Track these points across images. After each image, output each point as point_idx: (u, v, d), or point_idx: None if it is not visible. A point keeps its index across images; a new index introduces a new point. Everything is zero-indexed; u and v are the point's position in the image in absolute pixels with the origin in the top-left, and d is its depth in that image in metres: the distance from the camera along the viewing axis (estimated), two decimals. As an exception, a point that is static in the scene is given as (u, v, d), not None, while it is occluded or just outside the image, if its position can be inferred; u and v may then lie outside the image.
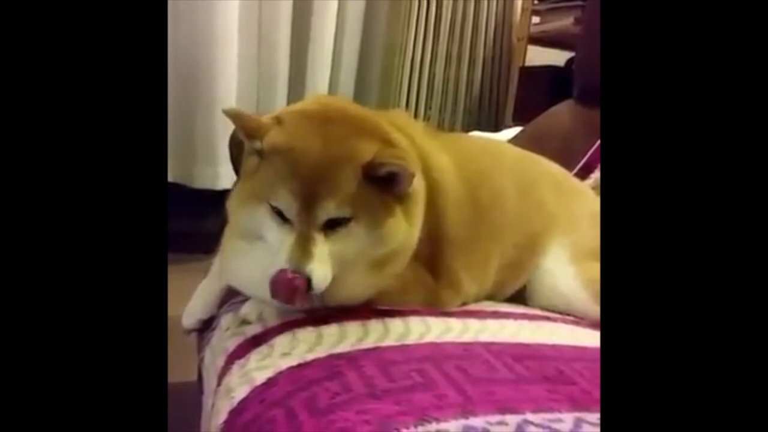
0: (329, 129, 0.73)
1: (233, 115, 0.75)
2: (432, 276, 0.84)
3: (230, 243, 0.83)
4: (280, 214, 0.71)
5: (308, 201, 0.70)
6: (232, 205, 0.78)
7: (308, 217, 0.70)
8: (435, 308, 0.82)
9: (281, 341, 0.71)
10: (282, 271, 0.69)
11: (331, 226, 0.71)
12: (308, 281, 0.68)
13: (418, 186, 0.78)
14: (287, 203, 0.70)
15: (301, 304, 0.72)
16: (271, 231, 0.73)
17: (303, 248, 0.69)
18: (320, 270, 0.69)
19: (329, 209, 0.70)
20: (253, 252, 0.77)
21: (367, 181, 0.71)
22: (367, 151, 0.71)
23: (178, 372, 1.03)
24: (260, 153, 0.74)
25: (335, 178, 0.70)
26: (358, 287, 0.77)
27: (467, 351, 0.69)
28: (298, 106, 0.83)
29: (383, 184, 0.72)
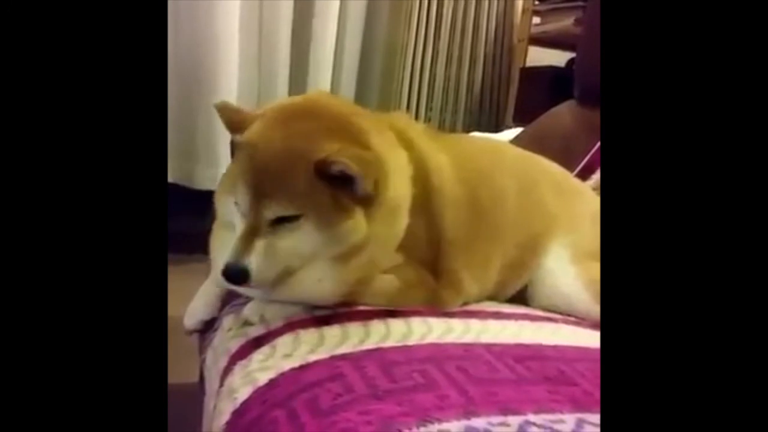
0: (298, 125, 0.75)
1: (220, 108, 0.78)
2: (433, 276, 0.84)
3: (215, 234, 0.85)
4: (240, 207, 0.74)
5: (258, 195, 0.71)
6: (215, 196, 0.82)
7: (257, 211, 0.72)
8: (436, 308, 0.82)
9: (283, 342, 0.72)
10: None
11: (281, 221, 0.72)
12: (248, 274, 0.71)
13: (395, 190, 0.78)
14: (241, 197, 0.73)
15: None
16: (237, 222, 0.75)
17: (247, 241, 0.71)
18: (258, 263, 0.71)
19: (276, 205, 0.71)
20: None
21: (321, 180, 0.71)
22: (326, 149, 0.71)
23: (179, 373, 1.03)
24: (238, 146, 0.76)
25: (286, 174, 0.71)
26: (322, 282, 0.76)
27: (468, 352, 0.69)
28: (287, 100, 0.84)
29: (339, 184, 0.72)
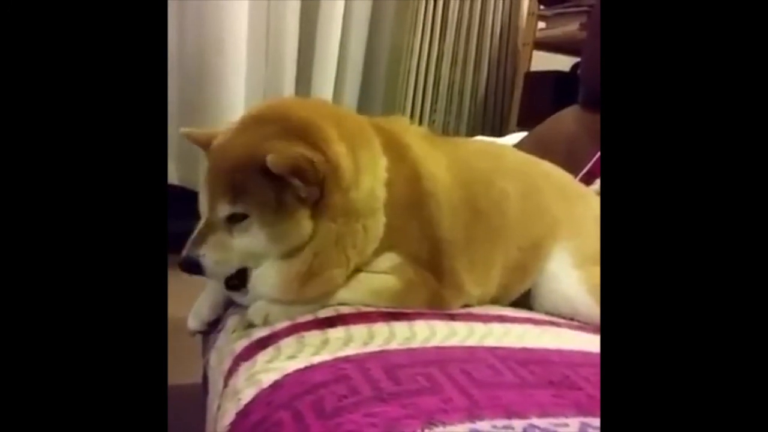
0: (256, 130, 0.78)
1: (187, 135, 0.85)
2: (435, 277, 0.85)
3: None
4: None
5: (213, 195, 0.77)
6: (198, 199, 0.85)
7: (212, 208, 0.77)
8: (438, 309, 0.83)
9: (287, 344, 0.72)
10: None
11: (234, 220, 0.76)
12: (200, 266, 0.77)
13: (357, 192, 0.79)
14: (201, 196, 0.79)
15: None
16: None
17: (201, 236, 0.78)
18: (211, 256, 0.77)
19: (223, 203, 0.76)
20: None
21: (268, 181, 0.74)
22: (276, 151, 0.73)
23: (182, 374, 1.04)
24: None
25: (232, 174, 0.76)
26: (271, 277, 0.79)
27: (472, 355, 0.69)
28: (254, 107, 0.87)
29: (284, 184, 0.74)
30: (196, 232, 0.78)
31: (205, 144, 0.82)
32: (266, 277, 0.79)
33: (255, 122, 0.80)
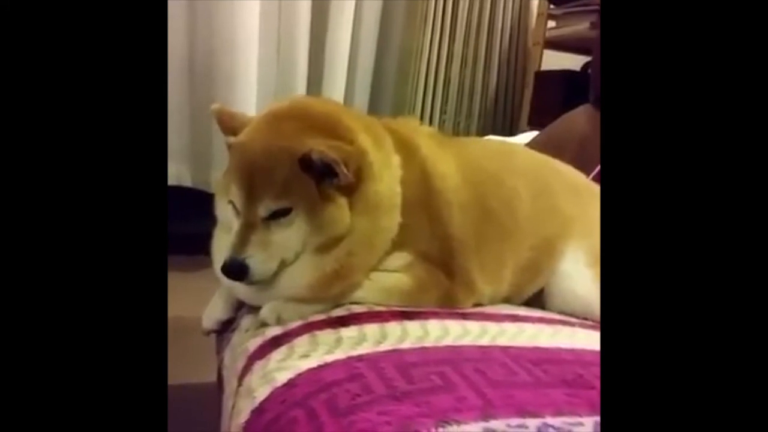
0: (283, 126, 0.78)
1: (216, 113, 0.83)
2: (446, 276, 0.86)
3: (216, 238, 0.87)
4: (235, 206, 0.77)
5: (250, 192, 0.75)
6: (214, 200, 0.85)
7: (251, 207, 0.75)
8: (450, 307, 0.84)
9: (301, 342, 0.72)
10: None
11: (274, 216, 0.75)
12: (247, 268, 0.74)
13: (379, 185, 0.80)
14: (235, 196, 0.77)
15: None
16: (233, 222, 0.78)
17: (243, 237, 0.75)
18: (258, 257, 0.75)
19: (267, 200, 0.74)
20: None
21: (306, 173, 0.75)
22: (309, 144, 0.74)
23: (198, 373, 1.05)
24: (230, 148, 0.81)
25: (273, 170, 0.75)
26: (303, 273, 0.78)
27: (485, 354, 0.69)
28: (274, 104, 0.87)
29: (322, 175, 0.75)
30: (234, 235, 0.76)
31: (229, 130, 0.82)
32: (299, 274, 0.78)
33: (278, 119, 0.81)
